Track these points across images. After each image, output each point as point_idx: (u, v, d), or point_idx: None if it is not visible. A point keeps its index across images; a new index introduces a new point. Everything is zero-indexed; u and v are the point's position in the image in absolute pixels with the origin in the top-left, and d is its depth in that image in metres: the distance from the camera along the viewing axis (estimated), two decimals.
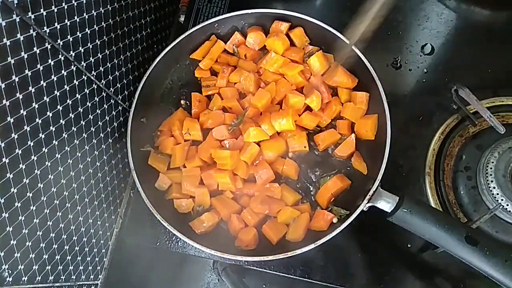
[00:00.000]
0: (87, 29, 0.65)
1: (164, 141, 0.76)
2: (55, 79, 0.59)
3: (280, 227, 0.70)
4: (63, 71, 0.61)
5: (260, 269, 0.75)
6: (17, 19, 0.50)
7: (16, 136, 0.52)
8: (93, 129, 0.71)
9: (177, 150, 0.74)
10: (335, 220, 0.69)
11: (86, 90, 0.67)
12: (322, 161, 0.76)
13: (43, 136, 0.58)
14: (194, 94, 0.79)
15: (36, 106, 0.56)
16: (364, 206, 0.64)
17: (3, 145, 0.50)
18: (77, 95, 0.65)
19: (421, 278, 0.73)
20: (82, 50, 0.64)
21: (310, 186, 0.75)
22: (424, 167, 0.77)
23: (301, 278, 0.74)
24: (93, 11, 0.65)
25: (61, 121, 0.62)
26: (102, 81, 0.72)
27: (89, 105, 0.69)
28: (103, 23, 0.69)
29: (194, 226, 0.71)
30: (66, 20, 0.59)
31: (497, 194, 0.69)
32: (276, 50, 0.76)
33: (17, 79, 0.51)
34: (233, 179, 0.72)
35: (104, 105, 0.74)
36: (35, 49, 0.54)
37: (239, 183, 0.72)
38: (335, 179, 0.71)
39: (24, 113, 0.54)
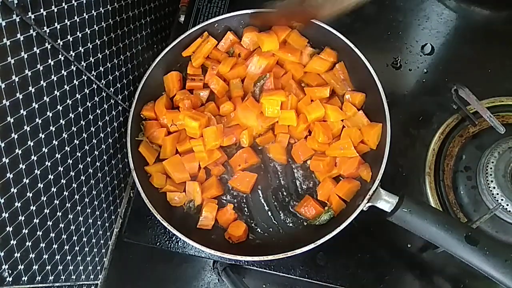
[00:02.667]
0: (87, 29, 0.65)
1: (155, 132, 0.75)
2: (55, 79, 0.59)
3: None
4: (63, 71, 0.61)
5: (260, 269, 0.75)
6: (17, 19, 0.50)
7: (16, 136, 0.52)
8: (93, 129, 0.71)
9: (167, 141, 0.74)
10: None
11: (86, 90, 0.67)
12: None
13: (43, 136, 0.58)
14: (171, 75, 0.78)
15: (36, 106, 0.56)
16: (364, 206, 0.64)
17: (3, 145, 0.50)
18: (77, 95, 0.65)
19: (421, 278, 0.73)
20: (82, 50, 0.64)
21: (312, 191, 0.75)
22: (424, 167, 0.77)
23: (301, 278, 0.74)
24: (93, 11, 0.65)
25: (61, 121, 0.62)
26: (102, 81, 0.72)
27: (89, 105, 0.69)
28: (103, 23, 0.69)
29: (204, 225, 0.71)
30: (66, 20, 0.59)
31: (497, 194, 0.69)
32: (265, 47, 0.76)
33: (17, 79, 0.51)
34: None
35: (104, 105, 0.74)
36: (35, 49, 0.54)
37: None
38: (343, 181, 0.71)
39: (24, 113, 0.54)
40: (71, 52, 0.62)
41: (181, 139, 0.75)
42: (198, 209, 0.73)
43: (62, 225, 0.64)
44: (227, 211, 0.72)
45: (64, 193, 0.64)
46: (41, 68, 0.56)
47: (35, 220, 0.58)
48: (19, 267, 0.55)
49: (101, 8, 0.67)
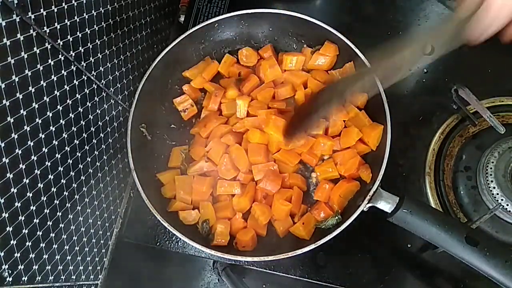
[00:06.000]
0: (87, 29, 0.65)
1: (197, 147, 0.77)
2: (55, 79, 0.59)
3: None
4: (63, 71, 0.61)
5: (260, 269, 0.75)
6: (17, 19, 0.50)
7: (16, 136, 0.52)
8: (93, 129, 0.71)
9: (174, 151, 0.76)
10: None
11: (86, 90, 0.67)
12: None
13: (43, 136, 0.58)
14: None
15: (36, 106, 0.56)
16: (364, 206, 0.64)
17: (3, 145, 0.50)
18: (77, 95, 0.65)
19: (421, 278, 0.73)
20: (82, 50, 0.64)
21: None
22: (424, 167, 0.77)
23: (301, 278, 0.74)
24: (93, 11, 0.65)
25: (61, 121, 0.62)
26: (102, 81, 0.72)
27: (89, 105, 0.69)
28: (103, 23, 0.69)
29: (219, 241, 0.70)
30: (66, 20, 0.59)
31: (497, 194, 0.69)
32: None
33: (17, 79, 0.51)
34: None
35: (104, 105, 0.74)
36: (35, 49, 0.54)
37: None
38: (343, 181, 0.71)
39: (24, 113, 0.53)
40: (71, 52, 0.62)
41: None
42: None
43: (62, 225, 0.64)
44: (236, 220, 0.72)
45: (64, 193, 0.64)
46: (41, 68, 0.56)
47: (35, 220, 0.58)
48: (19, 267, 0.55)
49: (101, 8, 0.67)
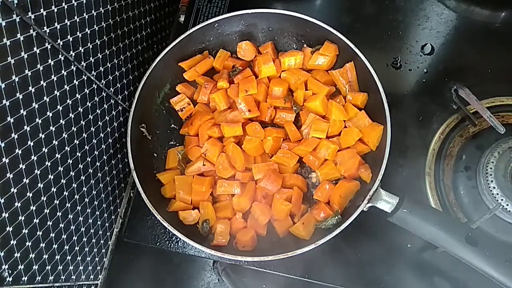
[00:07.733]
0: (87, 29, 0.65)
1: (192, 149, 0.77)
2: (55, 79, 0.59)
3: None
4: (63, 71, 0.61)
5: (260, 269, 0.75)
6: (17, 19, 0.50)
7: (16, 136, 0.52)
8: (93, 129, 0.71)
9: (171, 153, 0.76)
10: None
11: (86, 90, 0.67)
12: None
13: (43, 136, 0.58)
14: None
15: (36, 106, 0.56)
16: (364, 206, 0.64)
17: (3, 145, 0.50)
18: (77, 95, 0.65)
19: (421, 278, 0.73)
20: (82, 50, 0.64)
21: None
22: (424, 167, 0.77)
23: (301, 278, 0.74)
24: (93, 11, 0.65)
25: (61, 121, 0.62)
26: (102, 81, 0.72)
27: (89, 105, 0.69)
28: (103, 23, 0.69)
29: (219, 241, 0.70)
30: (66, 20, 0.59)
31: (497, 194, 0.69)
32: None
33: (17, 79, 0.51)
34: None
35: (104, 105, 0.74)
36: (35, 49, 0.54)
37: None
38: (343, 181, 0.71)
39: (24, 113, 0.54)
40: (71, 52, 0.62)
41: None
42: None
43: (62, 225, 0.64)
44: (236, 220, 0.72)
45: (64, 193, 0.64)
46: (41, 68, 0.56)
47: (35, 220, 0.58)
48: (19, 267, 0.55)
49: (101, 8, 0.67)
